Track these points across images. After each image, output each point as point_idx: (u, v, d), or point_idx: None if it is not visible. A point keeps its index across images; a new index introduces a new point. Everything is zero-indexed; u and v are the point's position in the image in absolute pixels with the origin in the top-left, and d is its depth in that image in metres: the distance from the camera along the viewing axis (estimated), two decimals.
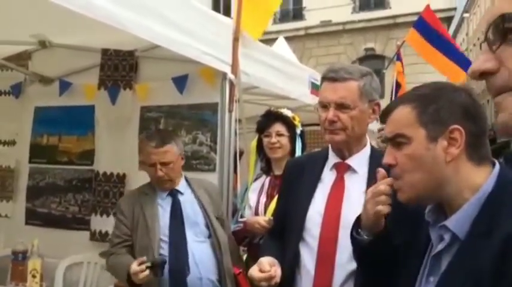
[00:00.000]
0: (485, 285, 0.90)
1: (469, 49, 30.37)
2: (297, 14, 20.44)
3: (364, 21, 19.13)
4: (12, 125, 3.66)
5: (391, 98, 7.13)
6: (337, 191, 1.66)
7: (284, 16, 20.32)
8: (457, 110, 1.03)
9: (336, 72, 1.64)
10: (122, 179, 3.25)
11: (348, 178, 1.69)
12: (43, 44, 3.37)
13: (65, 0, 1.75)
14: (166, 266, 2.19)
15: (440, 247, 1.03)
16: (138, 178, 3.02)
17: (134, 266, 2.08)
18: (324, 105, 1.67)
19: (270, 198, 2.60)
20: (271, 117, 2.74)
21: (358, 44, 19.48)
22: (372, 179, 1.56)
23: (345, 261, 1.57)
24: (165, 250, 2.28)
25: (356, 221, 1.38)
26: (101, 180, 3.32)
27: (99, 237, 3.24)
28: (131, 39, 2.83)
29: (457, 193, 1.02)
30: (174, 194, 2.43)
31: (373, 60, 18.13)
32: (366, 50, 19.33)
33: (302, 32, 19.74)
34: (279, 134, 2.66)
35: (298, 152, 2.69)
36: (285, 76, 3.57)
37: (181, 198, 2.42)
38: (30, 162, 3.62)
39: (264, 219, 2.46)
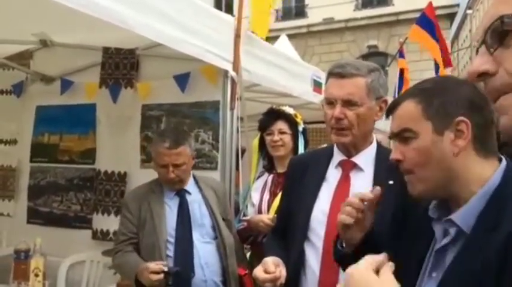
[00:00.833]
0: (490, 279, 0.89)
1: (472, 46, 30.26)
2: (299, 11, 20.39)
3: (367, 19, 19.07)
4: (14, 124, 3.66)
5: (395, 95, 7.11)
6: (343, 189, 1.62)
7: (286, 14, 20.29)
8: (463, 102, 1.02)
9: (343, 68, 1.59)
10: (123, 177, 3.25)
11: (354, 176, 1.65)
12: (44, 43, 3.36)
13: None
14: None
15: (445, 241, 1.03)
16: (139, 177, 3.01)
17: (152, 265, 2.05)
18: (330, 102, 1.61)
19: (273, 196, 2.58)
20: (273, 115, 2.72)
21: (360, 42, 19.43)
22: (378, 178, 1.58)
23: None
24: (170, 251, 2.26)
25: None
26: (102, 179, 3.31)
27: (100, 236, 3.24)
28: (132, 37, 2.82)
29: (464, 186, 1.01)
30: (182, 194, 2.39)
31: (376, 57, 18.06)
32: (369, 47, 19.28)
33: (304, 30, 19.70)
34: (281, 132, 2.65)
35: (300, 150, 2.66)
36: (287, 74, 3.55)
37: (188, 198, 2.39)
38: (31, 161, 3.62)
39: (268, 217, 2.45)
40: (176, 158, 2.28)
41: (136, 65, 3.28)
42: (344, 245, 1.38)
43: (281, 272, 1.55)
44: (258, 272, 1.56)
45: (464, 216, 0.99)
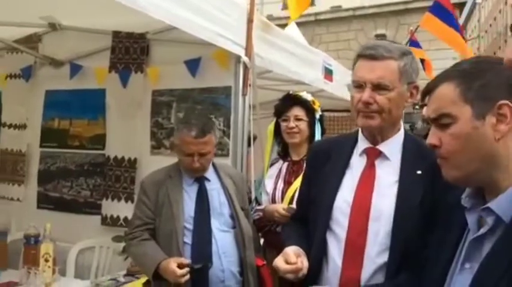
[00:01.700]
0: None
1: (480, 36, 29.91)
2: None
3: (375, 7, 18.88)
4: (23, 108, 3.63)
5: None
6: (368, 179, 1.55)
7: None
8: (504, 85, 0.97)
9: (375, 50, 1.51)
10: (133, 164, 3.22)
11: (379, 165, 1.57)
12: (53, 27, 3.33)
13: None
14: (189, 256, 2.14)
15: (482, 231, 0.98)
16: (150, 163, 2.99)
17: (180, 271, 2.01)
18: (359, 85, 1.53)
19: (287, 184, 2.54)
20: (289, 101, 2.65)
21: (368, 30, 19.26)
22: (404, 167, 1.52)
23: (374, 254, 1.48)
24: (188, 238, 2.20)
25: None
26: (112, 164, 3.29)
27: (110, 221, 3.22)
28: (143, 21, 2.78)
29: (505, 173, 0.97)
30: (201, 181, 2.31)
31: None
32: (377, 36, 19.08)
33: (312, 18, 19.52)
34: (297, 119, 2.58)
35: (317, 138, 2.61)
36: (299, 60, 3.50)
37: (208, 185, 2.31)
38: (41, 146, 3.60)
39: (283, 207, 2.40)
40: (203, 147, 2.21)
41: (147, 50, 3.24)
42: None
43: (303, 263, 1.50)
44: (279, 262, 1.50)
45: (503, 204, 0.94)
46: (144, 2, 2.03)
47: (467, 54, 6.23)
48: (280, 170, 2.63)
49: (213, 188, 2.33)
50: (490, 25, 26.73)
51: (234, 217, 2.29)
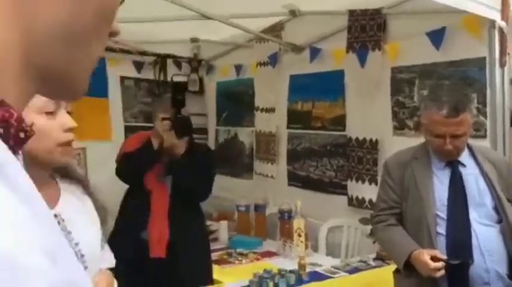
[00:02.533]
0: None
1: None
2: None
3: None
4: (271, 94, 3.97)
5: None
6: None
7: None
8: None
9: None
10: (374, 145, 3.18)
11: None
12: (293, 13, 3.50)
13: None
14: (443, 248, 1.99)
15: None
16: (392, 145, 2.90)
17: (434, 264, 1.91)
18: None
19: None
20: None
21: None
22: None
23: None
24: (441, 227, 2.03)
25: None
26: (354, 145, 3.32)
27: (356, 203, 3.28)
28: None
29: None
30: (454, 165, 2.08)
31: None
32: None
33: None
34: None
35: None
36: None
37: (462, 171, 2.08)
38: (288, 127, 3.90)
39: None
40: (456, 129, 1.96)
41: (384, 25, 3.11)
42: None
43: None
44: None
45: None
46: None
47: None
48: None
49: (469, 173, 2.06)
50: None
51: (498, 209, 2.01)
